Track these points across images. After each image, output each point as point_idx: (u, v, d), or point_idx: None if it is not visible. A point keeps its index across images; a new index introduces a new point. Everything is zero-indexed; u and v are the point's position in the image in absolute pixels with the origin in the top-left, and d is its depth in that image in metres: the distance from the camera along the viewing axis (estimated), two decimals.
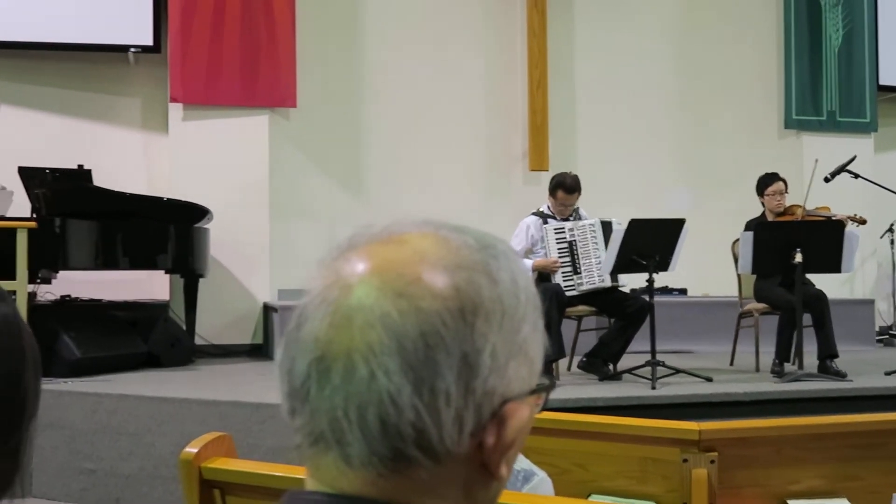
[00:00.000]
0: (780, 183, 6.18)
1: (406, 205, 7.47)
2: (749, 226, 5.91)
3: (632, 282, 6.21)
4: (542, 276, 5.72)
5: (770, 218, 6.20)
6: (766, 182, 6.22)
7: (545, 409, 0.82)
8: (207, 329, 7.00)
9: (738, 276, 6.38)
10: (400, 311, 0.73)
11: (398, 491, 0.74)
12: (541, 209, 5.89)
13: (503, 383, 0.75)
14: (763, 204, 6.26)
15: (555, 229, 5.74)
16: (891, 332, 8.42)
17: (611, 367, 5.71)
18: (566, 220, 5.83)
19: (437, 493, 0.75)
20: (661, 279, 6.92)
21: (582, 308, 5.76)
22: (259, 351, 7.17)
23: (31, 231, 5.42)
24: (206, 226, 6.73)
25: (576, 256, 5.68)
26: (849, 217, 6.06)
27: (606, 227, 5.69)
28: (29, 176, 6.27)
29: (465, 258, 0.77)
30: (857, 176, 6.12)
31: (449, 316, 0.73)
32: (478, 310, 0.75)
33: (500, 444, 0.75)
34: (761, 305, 6.09)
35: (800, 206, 6.17)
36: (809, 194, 6.07)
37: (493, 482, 0.77)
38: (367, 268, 0.76)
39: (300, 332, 0.77)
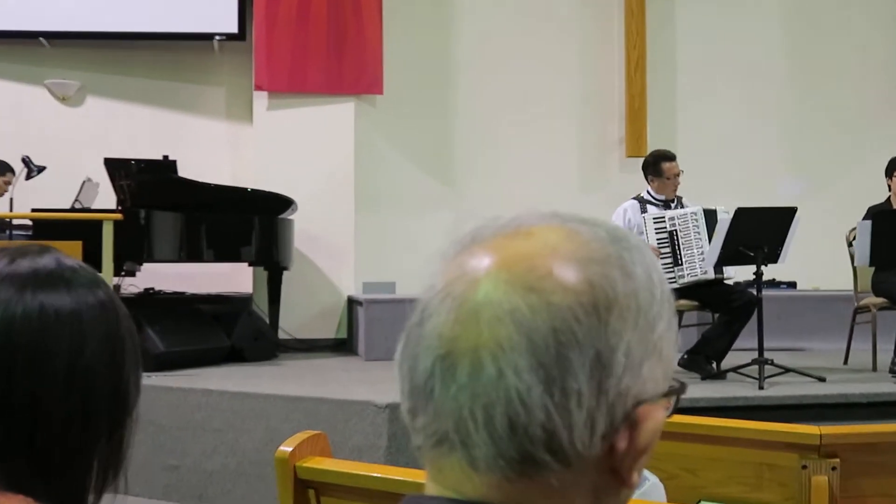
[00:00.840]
0: None
1: (497, 195, 7.47)
2: (870, 213, 5.75)
3: (737, 274, 6.09)
4: None
5: (895, 205, 6.03)
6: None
7: (676, 412, 0.81)
8: (291, 323, 7.10)
9: (854, 268, 6.20)
10: (530, 307, 0.72)
11: (525, 496, 0.73)
12: (641, 195, 5.84)
13: (637, 384, 0.75)
14: (889, 188, 6.09)
15: (654, 218, 5.69)
16: None
17: (714, 365, 5.62)
18: (667, 207, 5.77)
19: (566, 498, 0.74)
20: (768, 272, 6.76)
21: (684, 302, 5.68)
22: (343, 346, 7.26)
23: (116, 223, 5.57)
24: (290, 217, 6.83)
25: (677, 247, 5.62)
26: None
27: (710, 216, 5.61)
28: (114, 167, 6.45)
29: (598, 251, 0.76)
30: None
31: (582, 311, 0.73)
32: (612, 306, 0.74)
33: (632, 449, 0.75)
34: (879, 300, 5.92)
35: None
36: None
37: (623, 489, 0.76)
38: (494, 261, 0.75)
39: (423, 328, 0.76)
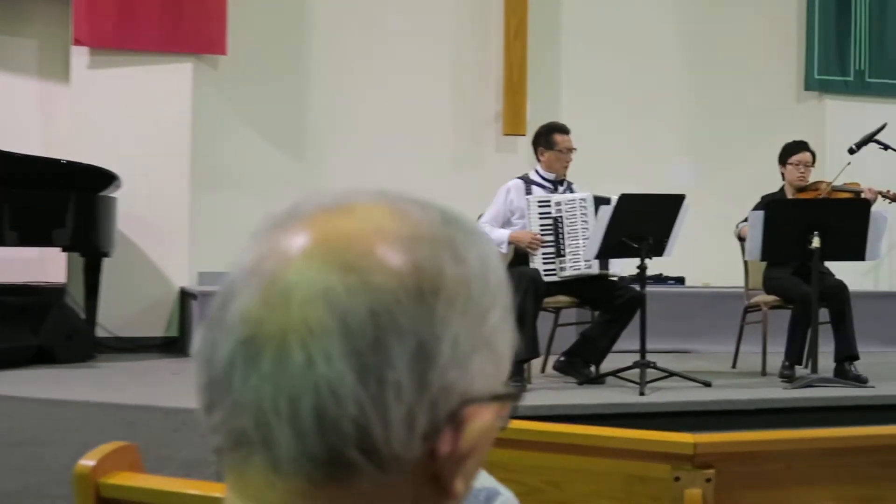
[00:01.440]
0: (808, 154, 6.29)
1: (358, 174, 7.47)
2: (762, 202, 6.00)
3: (625, 270, 6.26)
4: (518, 258, 5.76)
5: (790, 194, 6.30)
6: (792, 150, 6.33)
7: (513, 418, 0.83)
8: (112, 319, 6.95)
9: (745, 262, 6.46)
10: (347, 287, 0.73)
11: None
12: (527, 174, 5.96)
13: (464, 379, 0.76)
14: (783, 175, 6.35)
15: (539, 201, 5.79)
16: None
17: (593, 368, 5.77)
18: (555, 190, 5.88)
19: None
20: (653, 266, 6.97)
21: (562, 298, 5.81)
22: (174, 345, 7.14)
23: None
24: (112, 195, 6.67)
25: (561, 236, 5.73)
26: (880, 193, 6.16)
27: (601, 203, 5.72)
28: None
29: (427, 232, 0.78)
30: (886, 147, 6.20)
31: (405, 295, 0.74)
32: (439, 291, 0.75)
33: (456, 453, 0.76)
34: (771, 298, 6.18)
35: (826, 182, 6.27)
36: (833, 168, 6.15)
37: (447, 500, 0.77)
38: (311, 238, 0.76)
39: (225, 311, 0.76)
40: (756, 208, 5.89)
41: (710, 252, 7.83)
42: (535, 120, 7.66)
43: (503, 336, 0.80)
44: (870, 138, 6.15)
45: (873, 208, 5.69)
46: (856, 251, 5.61)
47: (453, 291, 0.76)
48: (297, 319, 0.73)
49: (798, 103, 8.78)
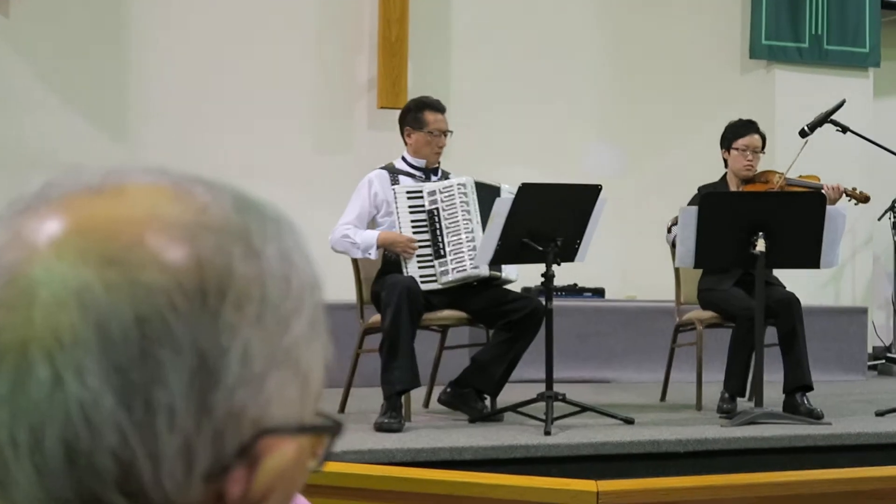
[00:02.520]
0: (757, 137, 6.41)
1: (189, 154, 7.36)
2: (698, 197, 6.09)
3: (525, 277, 6.31)
4: (388, 264, 5.78)
5: (734, 185, 6.43)
6: (737, 132, 6.43)
7: (329, 459, 0.83)
8: None
9: (677, 270, 6.55)
10: (107, 286, 0.72)
11: None
12: (392, 163, 5.99)
13: (258, 403, 0.76)
14: (726, 163, 6.47)
15: (408, 192, 5.81)
16: (889, 354, 8.84)
17: (487, 401, 5.79)
18: (427, 179, 5.91)
19: None
20: (566, 274, 7.06)
21: (447, 314, 5.83)
22: None
23: None
24: None
25: (439, 232, 5.75)
26: (845, 192, 6.31)
27: (488, 193, 5.78)
28: None
29: (214, 219, 0.78)
30: (845, 130, 6.35)
31: (182, 296, 0.73)
32: (226, 292, 0.75)
33: (249, 497, 0.75)
34: (707, 314, 6.29)
35: (778, 174, 6.41)
36: (783, 154, 6.27)
37: None
38: (65, 225, 0.75)
39: None
40: (691, 203, 5.99)
41: (636, 257, 7.94)
42: (418, 89, 7.69)
43: (311, 351, 0.80)
44: (825, 118, 6.29)
45: (832, 207, 5.82)
46: (809, 257, 5.74)
47: (244, 293, 0.76)
48: (43, 326, 0.72)
49: (742, 75, 8.98)
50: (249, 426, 0.75)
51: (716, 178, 6.52)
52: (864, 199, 6.43)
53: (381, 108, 8.03)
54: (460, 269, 5.72)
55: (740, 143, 6.38)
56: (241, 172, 7.22)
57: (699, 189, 6.30)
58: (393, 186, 5.83)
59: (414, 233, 5.74)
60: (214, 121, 7.79)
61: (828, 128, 6.35)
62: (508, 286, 5.96)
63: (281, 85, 7.99)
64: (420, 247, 5.73)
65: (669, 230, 6.19)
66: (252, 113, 7.88)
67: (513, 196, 5.48)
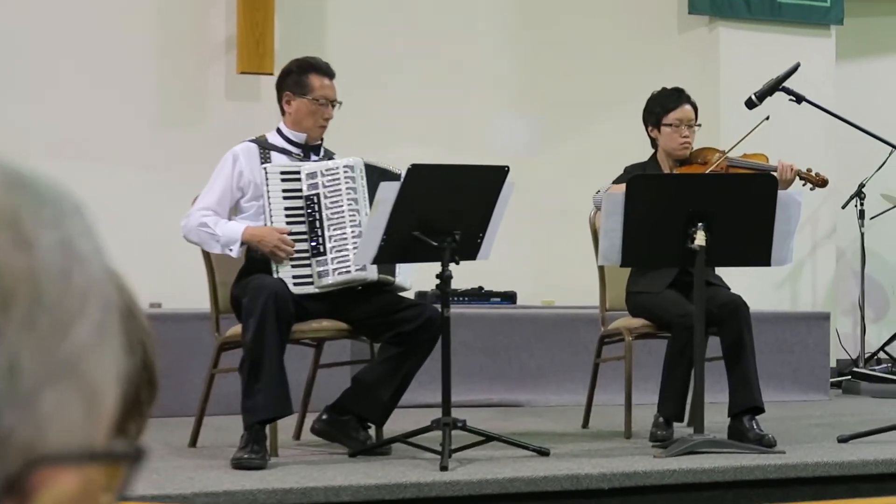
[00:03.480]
0: (688, 107, 6.46)
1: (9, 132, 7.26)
2: (624, 177, 6.10)
3: (418, 279, 6.30)
4: (252, 262, 5.75)
5: (666, 167, 6.47)
6: (666, 104, 6.47)
7: (126, 495, 0.81)
8: None
9: (601, 270, 6.59)
10: None
11: None
12: (264, 136, 5.96)
13: (30, 426, 0.75)
14: (655, 142, 6.51)
15: (283, 173, 5.77)
16: (856, 369, 8.97)
17: (371, 431, 5.79)
18: (306, 157, 5.91)
19: None
20: (468, 275, 7.03)
21: (324, 324, 5.82)
22: None
23: None
24: None
25: (318, 224, 5.73)
26: (799, 173, 6.36)
27: (380, 177, 5.74)
28: None
29: None
30: (799, 99, 6.39)
31: None
32: None
33: None
34: (637, 322, 6.34)
35: (719, 152, 6.47)
36: (730, 129, 6.31)
37: None
38: None
39: None
40: (616, 183, 6.06)
41: (553, 254, 7.98)
42: (287, 52, 7.65)
43: (100, 362, 0.79)
44: (776, 86, 6.31)
45: (785, 192, 5.88)
46: (758, 253, 5.80)
47: (10, 292, 0.75)
48: None
49: (680, 34, 9.07)
50: (19, 454, 0.74)
51: (640, 157, 6.56)
52: (821, 182, 6.44)
53: (242, 73, 7.99)
54: (343, 269, 5.70)
55: (672, 117, 6.41)
56: (49, 151, 7.16)
57: (626, 170, 6.32)
58: (263, 165, 5.77)
59: (288, 223, 5.70)
60: (19, 88, 7.65)
61: (780, 98, 6.39)
62: (402, 292, 5.98)
63: (110, 44, 7.90)
64: (295, 238, 5.69)
65: (594, 220, 6.24)
66: (71, 78, 7.77)
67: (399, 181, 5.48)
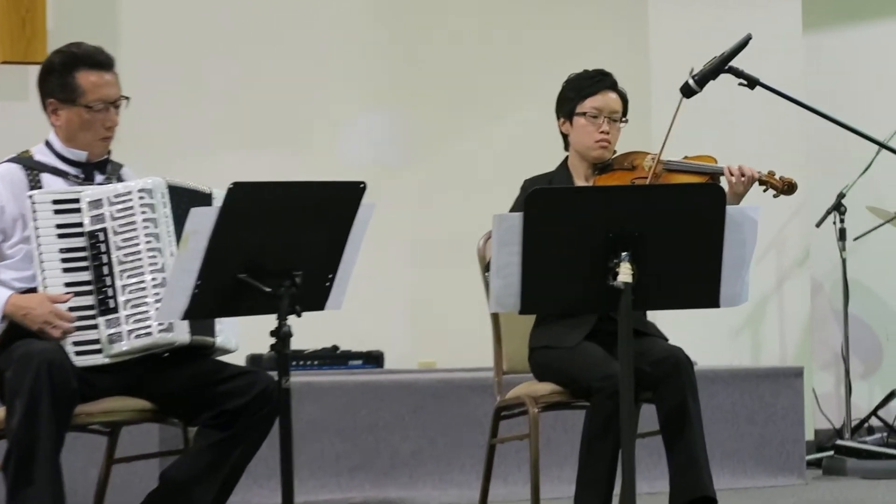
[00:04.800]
0: (613, 95, 6.58)
1: None
2: (523, 196, 6.07)
3: (249, 337, 6.23)
4: (17, 328, 5.69)
5: (580, 177, 6.56)
6: (582, 89, 6.58)
7: None
8: None
9: (494, 319, 6.61)
10: None
11: None
12: (29, 151, 5.95)
13: None
14: (567, 140, 6.59)
15: (56, 203, 5.73)
16: (841, 441, 9.05)
17: None
18: (88, 180, 5.91)
19: None
20: (319, 330, 6.99)
21: (120, 405, 5.81)
22: None
23: None
24: None
25: (107, 270, 5.73)
26: (759, 178, 6.42)
27: (190, 202, 5.69)
28: None
29: None
30: (752, 83, 6.40)
31: None
32: None
33: None
34: (545, 388, 6.36)
35: (651, 155, 6.57)
36: (663, 125, 6.34)
37: None
38: None
39: None
40: (514, 208, 6.10)
41: (430, 300, 7.98)
42: (62, 34, 7.63)
43: None
44: (722, 65, 6.34)
45: (735, 207, 5.86)
46: (703, 290, 5.75)
47: None
48: None
49: (596, 1, 9.15)
50: None
51: (552, 165, 6.57)
52: (787, 187, 6.46)
53: (5, 63, 8.01)
54: (142, 331, 5.72)
55: (588, 105, 6.49)
56: None
57: (525, 184, 6.36)
58: (31, 193, 5.75)
59: (66, 271, 5.68)
60: None
61: (729, 81, 6.39)
62: (225, 357, 5.98)
63: None
64: (75, 290, 5.66)
65: (488, 267, 6.21)
66: None
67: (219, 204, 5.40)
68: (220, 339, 5.86)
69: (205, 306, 5.46)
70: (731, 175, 6.27)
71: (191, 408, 5.79)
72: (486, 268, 6.28)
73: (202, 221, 5.32)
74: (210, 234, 5.32)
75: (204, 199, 5.75)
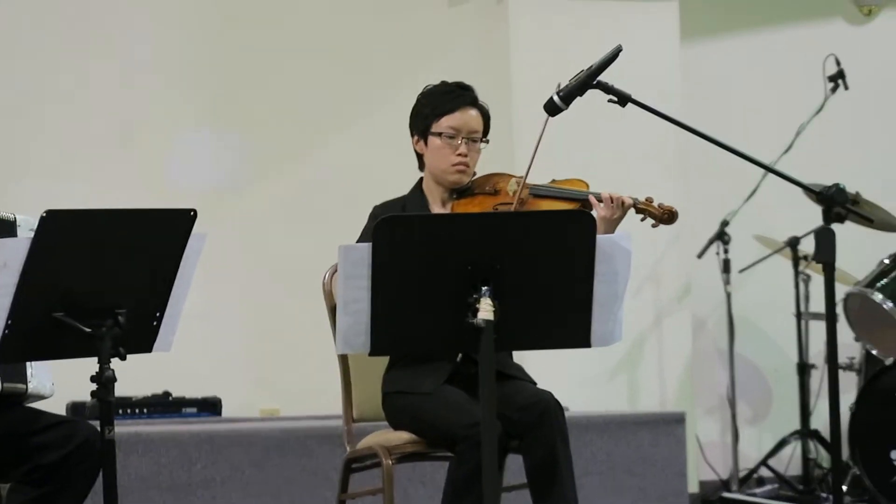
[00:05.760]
0: (473, 112, 6.59)
1: None
2: (369, 230, 6.05)
3: (67, 384, 6.18)
4: None
5: (436, 203, 6.60)
6: (438, 105, 6.59)
7: None
8: None
9: (342, 361, 6.60)
10: None
11: None
12: None
13: None
14: (422, 160, 6.62)
15: None
16: (727, 494, 9.13)
17: None
18: None
19: None
20: (148, 375, 6.96)
21: None
22: None
23: None
24: None
25: None
26: (634, 204, 6.46)
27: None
28: None
29: None
30: (623, 99, 6.40)
31: None
32: None
33: None
34: (400, 437, 6.35)
35: (515, 178, 6.61)
36: (529, 144, 6.34)
37: None
38: None
39: None
40: (362, 237, 6.11)
41: (274, 341, 7.94)
42: None
43: None
44: (590, 80, 6.32)
45: (606, 237, 5.85)
46: (572, 328, 5.74)
47: None
48: None
49: (451, 6, 9.16)
50: None
51: (405, 188, 6.55)
52: (667, 215, 6.49)
53: None
54: None
55: (445, 124, 6.49)
56: None
57: (375, 210, 6.39)
58: None
59: None
60: None
61: (598, 98, 6.39)
62: (37, 404, 5.93)
63: None
64: None
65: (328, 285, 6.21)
66: None
67: (31, 235, 5.34)
68: (32, 385, 5.80)
69: (16, 349, 5.40)
70: (602, 202, 6.27)
71: (1, 463, 5.72)
72: (332, 305, 6.23)
73: (11, 254, 5.27)
74: (21, 269, 5.27)
75: (8, 227, 5.67)
